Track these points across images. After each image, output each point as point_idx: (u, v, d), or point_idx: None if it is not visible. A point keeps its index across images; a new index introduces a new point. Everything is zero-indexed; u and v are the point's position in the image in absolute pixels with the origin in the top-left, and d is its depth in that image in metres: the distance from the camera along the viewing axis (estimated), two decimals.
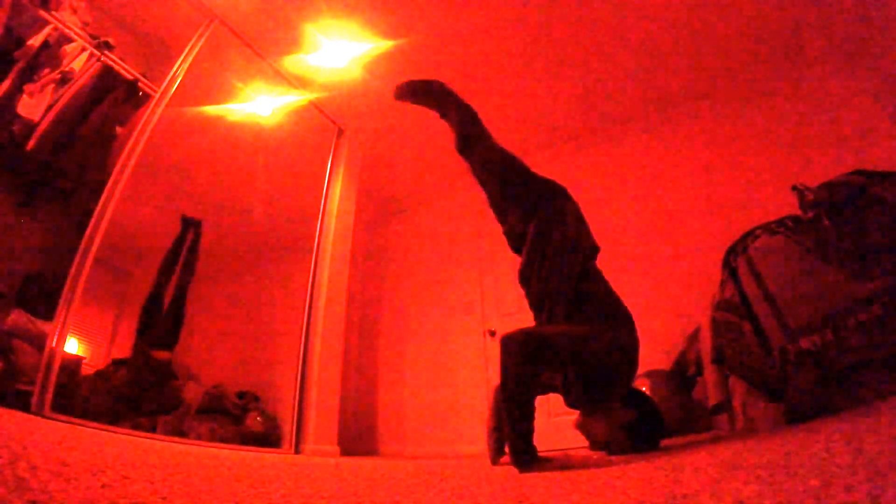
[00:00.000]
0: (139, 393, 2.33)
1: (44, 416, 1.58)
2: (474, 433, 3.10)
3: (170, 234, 2.97)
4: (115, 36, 2.35)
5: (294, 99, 3.23)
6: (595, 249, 1.45)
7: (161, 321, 2.73)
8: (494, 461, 1.48)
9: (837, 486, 0.44)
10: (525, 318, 1.47)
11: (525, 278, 1.45)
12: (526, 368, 1.16)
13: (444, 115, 1.75)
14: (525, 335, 1.20)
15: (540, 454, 1.12)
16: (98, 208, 1.97)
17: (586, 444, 1.49)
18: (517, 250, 1.55)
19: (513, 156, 1.59)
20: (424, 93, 1.74)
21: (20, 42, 1.99)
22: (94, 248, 1.90)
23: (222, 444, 2.28)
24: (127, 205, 2.12)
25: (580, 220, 1.49)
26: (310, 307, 2.98)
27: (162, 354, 2.63)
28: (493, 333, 3.43)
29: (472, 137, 1.62)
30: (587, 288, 1.34)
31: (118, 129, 2.31)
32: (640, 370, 1.44)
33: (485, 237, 3.71)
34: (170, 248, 2.92)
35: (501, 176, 1.56)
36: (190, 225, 3.05)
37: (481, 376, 3.34)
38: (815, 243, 1.27)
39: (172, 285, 2.84)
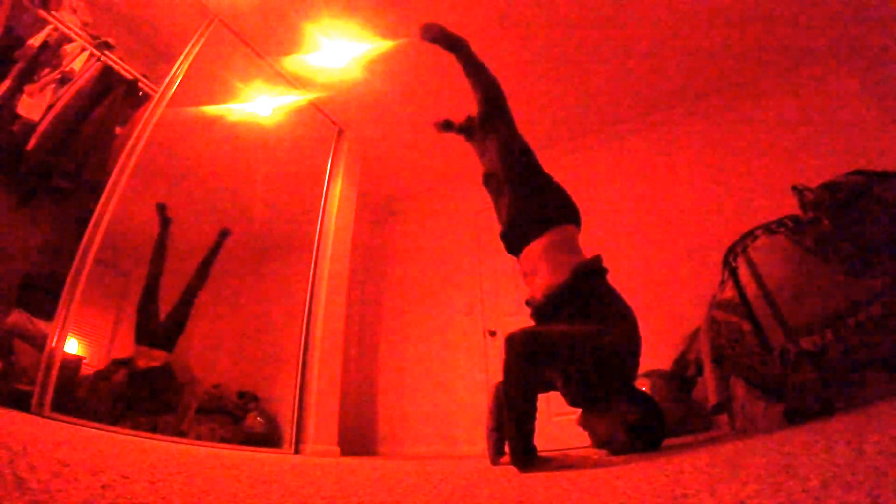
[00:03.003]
0: (139, 393, 2.33)
1: (44, 416, 1.58)
2: (474, 433, 3.10)
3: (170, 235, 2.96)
4: (115, 36, 2.35)
5: (294, 99, 3.23)
6: (600, 267, 1.41)
7: (159, 321, 2.72)
8: (494, 461, 1.48)
9: (837, 486, 0.44)
10: (525, 318, 1.47)
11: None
12: (528, 368, 1.16)
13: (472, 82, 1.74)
14: (527, 335, 1.20)
15: (540, 454, 1.12)
16: (98, 208, 1.97)
17: (586, 443, 1.48)
18: (512, 251, 1.55)
19: (528, 147, 1.59)
20: (449, 45, 1.74)
21: (20, 42, 2.00)
22: (94, 248, 1.90)
23: (222, 444, 2.28)
24: (127, 205, 2.12)
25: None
26: (310, 307, 2.98)
27: (159, 354, 2.63)
28: (493, 334, 3.43)
29: (498, 112, 1.62)
30: (592, 290, 1.34)
31: (118, 129, 2.31)
32: (640, 370, 1.44)
33: (484, 238, 3.71)
34: (155, 240, 2.88)
35: (512, 161, 1.56)
36: (219, 234, 3.07)
37: (481, 376, 3.34)
38: (815, 243, 1.27)
39: (170, 285, 2.83)
